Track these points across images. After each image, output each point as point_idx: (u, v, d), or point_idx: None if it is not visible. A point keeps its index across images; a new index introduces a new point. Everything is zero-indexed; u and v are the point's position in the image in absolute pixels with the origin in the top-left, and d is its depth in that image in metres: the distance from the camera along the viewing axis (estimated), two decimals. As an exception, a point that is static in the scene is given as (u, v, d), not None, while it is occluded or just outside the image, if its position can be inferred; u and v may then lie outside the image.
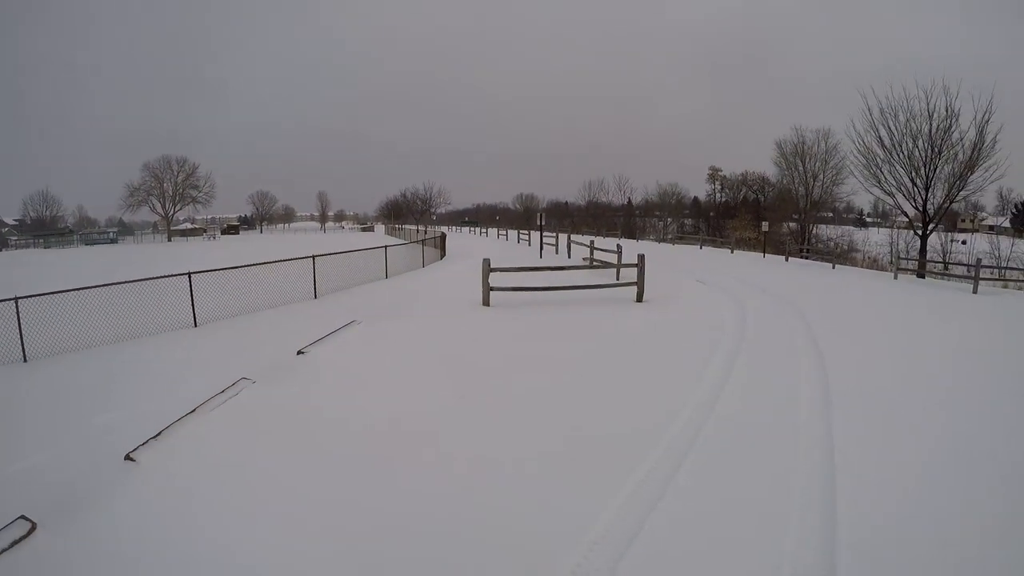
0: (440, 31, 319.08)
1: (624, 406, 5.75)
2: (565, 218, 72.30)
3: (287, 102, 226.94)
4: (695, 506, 3.81)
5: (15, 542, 3.78)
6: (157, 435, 5.21)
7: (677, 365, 7.18)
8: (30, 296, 9.61)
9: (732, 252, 32.60)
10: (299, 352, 8.17)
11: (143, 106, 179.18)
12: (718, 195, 69.38)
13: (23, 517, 4.01)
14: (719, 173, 69.52)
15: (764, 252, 31.47)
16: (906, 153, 23.91)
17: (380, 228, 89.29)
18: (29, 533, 3.88)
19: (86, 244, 70.14)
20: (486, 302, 11.16)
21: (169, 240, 72.71)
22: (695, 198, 74.02)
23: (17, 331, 9.31)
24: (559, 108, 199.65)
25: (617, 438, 4.96)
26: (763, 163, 65.50)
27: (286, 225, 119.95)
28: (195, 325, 11.48)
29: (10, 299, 9.36)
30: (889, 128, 24.22)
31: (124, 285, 10.83)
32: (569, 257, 23.21)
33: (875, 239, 49.69)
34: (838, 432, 4.97)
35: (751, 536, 3.46)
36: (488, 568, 3.27)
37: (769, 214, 49.52)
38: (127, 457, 4.89)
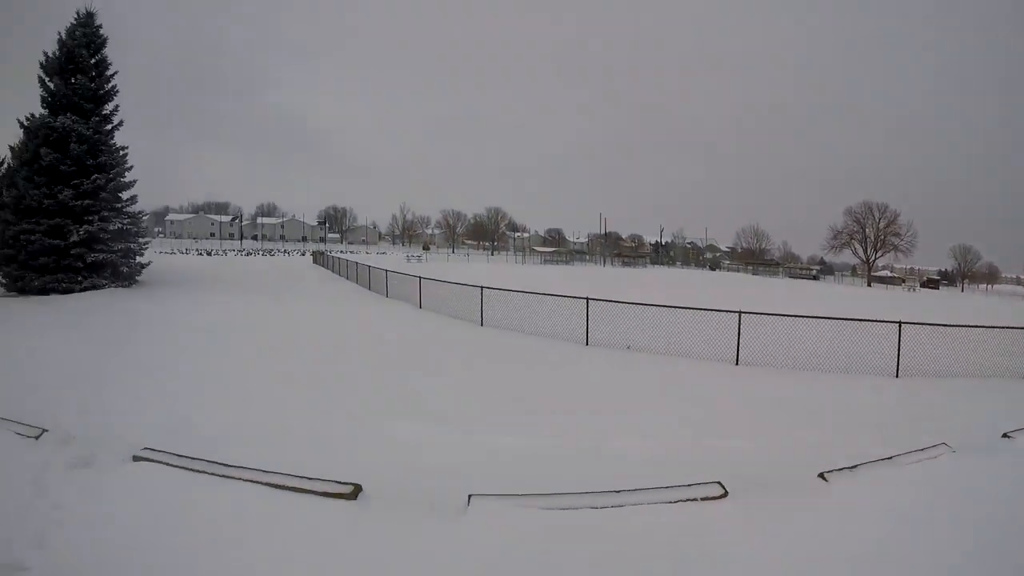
0: None
1: None
2: None
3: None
4: None
5: (707, 498, 4.63)
6: (853, 467, 5.53)
7: None
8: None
9: None
10: (1005, 435, 6.79)
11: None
12: None
13: (719, 483, 4.87)
14: None
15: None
16: None
17: None
18: (720, 497, 4.69)
19: (789, 277, 79.84)
20: None
21: (868, 285, 72.84)
22: None
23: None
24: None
25: None
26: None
27: (988, 286, 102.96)
28: (896, 375, 11.43)
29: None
30: None
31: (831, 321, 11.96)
32: None
33: None
34: None
35: None
36: None
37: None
38: (820, 475, 5.40)
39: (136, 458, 5.27)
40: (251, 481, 4.62)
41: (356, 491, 4.64)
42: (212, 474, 4.76)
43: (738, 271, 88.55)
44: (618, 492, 4.61)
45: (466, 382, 9.69)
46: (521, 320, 14.33)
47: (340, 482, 4.71)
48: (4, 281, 20.91)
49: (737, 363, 11.93)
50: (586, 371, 11.02)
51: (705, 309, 12.61)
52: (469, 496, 4.55)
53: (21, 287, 20.58)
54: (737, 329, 11.99)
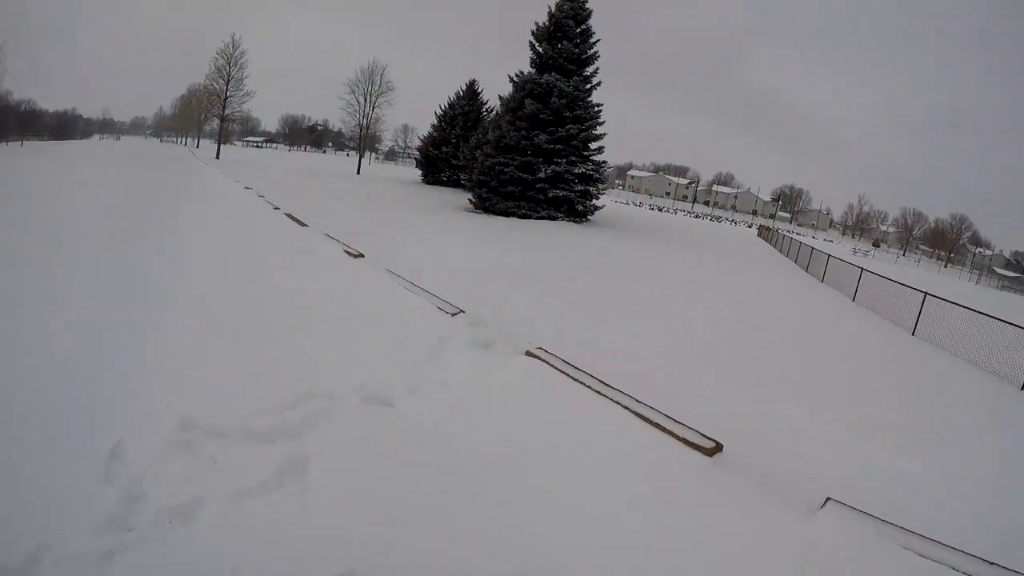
0: None
1: None
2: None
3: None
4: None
5: None
6: None
7: None
8: None
9: None
10: None
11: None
12: None
13: None
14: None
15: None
16: None
17: None
18: None
19: None
20: None
21: None
22: None
23: None
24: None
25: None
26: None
27: None
28: None
29: None
30: None
31: None
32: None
33: None
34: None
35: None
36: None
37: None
38: None
39: (528, 353, 6.25)
40: (622, 405, 4.91)
41: (715, 450, 4.46)
42: (588, 387, 5.24)
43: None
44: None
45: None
46: (957, 342, 12.20)
47: (703, 434, 4.59)
48: (474, 200, 27.68)
49: None
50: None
51: None
52: (827, 498, 4.10)
53: (486, 207, 26.96)
54: None
